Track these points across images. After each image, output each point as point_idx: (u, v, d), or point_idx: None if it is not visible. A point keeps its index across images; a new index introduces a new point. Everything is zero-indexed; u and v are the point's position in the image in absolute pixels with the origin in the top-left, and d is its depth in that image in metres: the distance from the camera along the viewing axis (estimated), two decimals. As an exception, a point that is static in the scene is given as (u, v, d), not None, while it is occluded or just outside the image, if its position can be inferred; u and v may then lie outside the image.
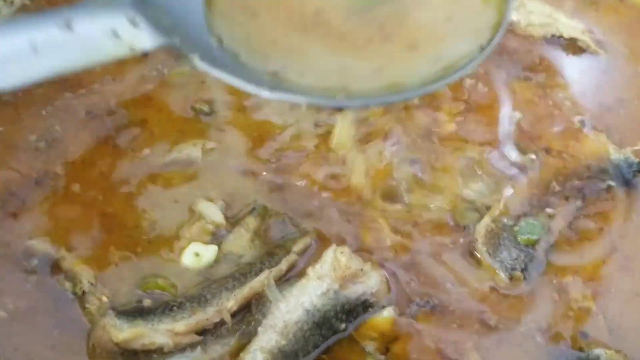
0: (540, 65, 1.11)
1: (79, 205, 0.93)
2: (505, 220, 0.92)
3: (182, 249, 0.88)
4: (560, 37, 1.14)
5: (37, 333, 0.82)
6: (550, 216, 0.93)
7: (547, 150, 1.01)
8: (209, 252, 0.87)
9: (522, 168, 0.98)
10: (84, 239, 0.89)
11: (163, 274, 0.87)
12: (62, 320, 0.83)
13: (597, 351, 0.81)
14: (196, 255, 0.87)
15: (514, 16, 1.13)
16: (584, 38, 1.14)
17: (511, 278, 0.88)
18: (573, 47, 1.14)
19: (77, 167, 0.95)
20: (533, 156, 1.00)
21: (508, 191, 0.94)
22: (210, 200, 0.92)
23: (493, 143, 1.01)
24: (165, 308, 0.81)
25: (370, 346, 0.82)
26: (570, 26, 1.14)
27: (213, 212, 0.90)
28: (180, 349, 0.79)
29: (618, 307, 0.87)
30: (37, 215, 0.90)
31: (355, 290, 0.84)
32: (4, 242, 0.87)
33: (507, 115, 1.04)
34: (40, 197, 0.92)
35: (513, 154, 1.00)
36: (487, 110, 1.04)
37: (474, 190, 0.95)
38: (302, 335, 0.80)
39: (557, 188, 0.97)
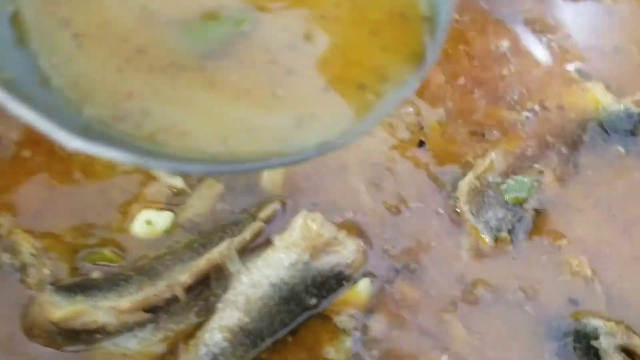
0: (536, 10, 1.02)
1: (25, 171, 0.83)
2: (490, 177, 0.84)
3: (134, 216, 0.79)
4: None
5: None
6: (541, 172, 0.85)
7: (541, 104, 0.93)
8: (162, 220, 0.79)
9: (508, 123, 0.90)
10: (27, 206, 0.81)
11: (111, 244, 0.78)
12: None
13: (595, 322, 0.73)
14: (148, 223, 0.78)
15: None
16: None
17: (496, 240, 0.81)
18: None
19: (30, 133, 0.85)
20: (526, 113, 0.91)
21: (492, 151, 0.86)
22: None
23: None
24: (111, 282, 0.72)
25: (344, 323, 0.74)
26: None
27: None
28: (128, 328, 0.71)
29: (617, 273, 0.80)
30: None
31: (327, 261, 0.76)
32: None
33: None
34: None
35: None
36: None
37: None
38: (267, 312, 0.72)
39: (550, 144, 0.88)
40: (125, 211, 0.80)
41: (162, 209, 0.80)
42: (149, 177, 0.82)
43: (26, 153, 0.84)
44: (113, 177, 0.83)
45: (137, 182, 0.82)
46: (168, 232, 0.79)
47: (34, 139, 0.84)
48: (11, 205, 0.81)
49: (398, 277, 0.78)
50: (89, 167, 0.83)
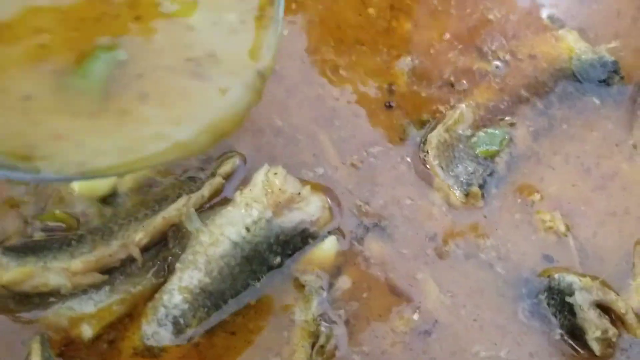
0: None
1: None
2: (460, 130, 0.81)
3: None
4: None
5: None
6: (512, 125, 0.83)
7: (512, 53, 0.90)
8: (105, 181, 0.73)
9: (478, 74, 0.87)
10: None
11: (62, 204, 0.73)
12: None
13: (570, 278, 0.72)
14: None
15: None
16: None
17: (467, 195, 0.78)
18: None
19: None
20: (497, 62, 0.88)
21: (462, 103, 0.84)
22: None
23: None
24: (62, 243, 0.69)
25: (311, 282, 0.71)
26: None
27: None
28: (83, 290, 0.68)
29: (591, 229, 0.79)
30: None
31: (291, 218, 0.73)
32: None
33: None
34: None
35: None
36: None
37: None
38: (229, 272, 0.70)
39: (522, 95, 0.86)
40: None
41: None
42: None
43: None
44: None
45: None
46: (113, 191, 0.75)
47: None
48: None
49: (368, 235, 0.75)
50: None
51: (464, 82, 0.86)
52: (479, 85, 0.86)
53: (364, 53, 0.87)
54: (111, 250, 0.68)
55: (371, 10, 0.92)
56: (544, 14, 0.93)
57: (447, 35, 0.90)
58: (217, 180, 0.74)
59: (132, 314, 0.69)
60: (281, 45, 0.60)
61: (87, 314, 0.68)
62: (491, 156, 0.81)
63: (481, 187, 0.79)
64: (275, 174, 0.72)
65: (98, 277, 0.68)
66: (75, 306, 0.68)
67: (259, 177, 0.72)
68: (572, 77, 0.88)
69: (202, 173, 0.75)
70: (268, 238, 0.71)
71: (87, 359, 0.67)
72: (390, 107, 0.84)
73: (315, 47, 0.87)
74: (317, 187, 0.76)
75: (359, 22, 0.90)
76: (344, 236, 0.74)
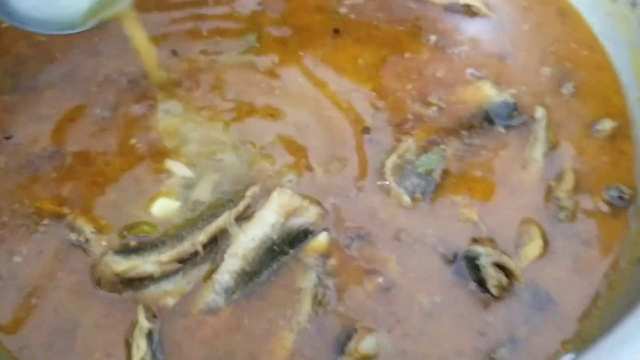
0: (441, 27, 1.36)
1: (78, 175, 1.16)
2: (408, 156, 1.17)
3: (154, 202, 1.13)
4: (457, 3, 1.38)
5: (46, 275, 1.06)
6: (444, 150, 1.19)
7: (446, 100, 1.26)
8: (172, 204, 1.11)
9: (421, 116, 1.24)
10: (82, 200, 1.13)
11: (147, 221, 1.11)
12: (65, 263, 1.07)
13: (478, 249, 1.07)
14: (164, 207, 1.11)
15: None
16: (476, 3, 1.39)
17: (413, 200, 1.13)
18: (468, 11, 1.39)
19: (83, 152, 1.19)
20: (434, 108, 1.24)
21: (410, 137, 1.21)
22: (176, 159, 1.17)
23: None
24: (152, 246, 1.05)
25: (310, 262, 1.08)
26: None
27: (180, 168, 1.15)
28: (166, 275, 1.04)
29: (499, 218, 1.13)
30: (48, 182, 1.14)
31: (297, 222, 1.09)
32: (20, 200, 1.11)
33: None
34: (50, 168, 1.16)
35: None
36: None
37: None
38: (258, 258, 1.05)
39: (452, 129, 1.22)
40: (150, 199, 1.14)
41: (174, 197, 1.13)
42: (166, 173, 1.16)
43: (76, 163, 1.17)
44: (140, 174, 1.16)
45: (158, 176, 1.16)
46: (179, 213, 1.11)
47: (82, 151, 1.18)
48: (72, 200, 1.13)
49: (352, 241, 1.09)
50: (116, 171, 1.17)
51: (411, 123, 1.22)
52: (422, 125, 1.22)
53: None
54: (184, 247, 1.04)
55: (360, 61, 1.31)
56: (468, 72, 1.30)
57: (400, 90, 1.28)
58: (247, 200, 1.10)
59: (197, 289, 1.03)
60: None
61: (169, 290, 1.03)
62: (430, 173, 1.15)
63: (423, 194, 1.14)
64: (285, 193, 1.08)
65: (176, 266, 1.03)
66: (162, 286, 1.03)
67: (274, 196, 1.08)
68: (487, 115, 1.23)
69: (237, 197, 1.12)
70: (282, 235, 1.06)
71: (171, 317, 1.03)
72: (367, 131, 1.20)
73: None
74: (312, 201, 1.12)
75: (355, 69, 1.28)
76: (330, 231, 1.10)
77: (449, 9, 1.39)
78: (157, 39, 1.28)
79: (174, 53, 1.30)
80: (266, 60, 1.31)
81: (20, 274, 1.06)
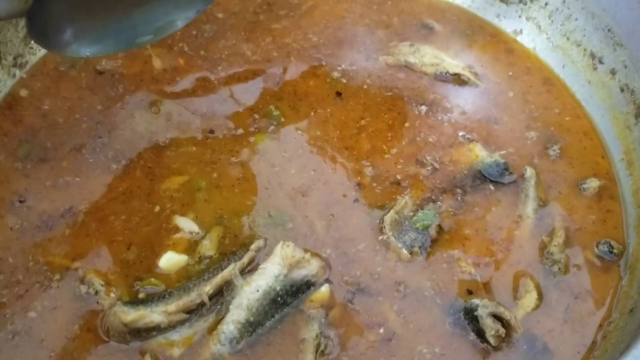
0: (430, 96, 1.44)
1: (88, 233, 1.20)
2: (405, 212, 1.23)
3: (162, 255, 1.17)
4: (447, 73, 1.47)
5: (60, 328, 1.09)
6: (440, 207, 1.25)
7: (440, 161, 1.32)
8: (179, 259, 1.16)
9: (417, 175, 1.30)
10: (95, 256, 1.17)
11: (155, 274, 1.14)
12: (79, 315, 1.10)
13: (476, 301, 1.11)
14: (171, 260, 1.15)
15: (410, 58, 1.47)
16: (465, 73, 1.47)
17: (411, 253, 1.18)
18: (458, 80, 1.47)
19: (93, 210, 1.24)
20: (429, 167, 1.31)
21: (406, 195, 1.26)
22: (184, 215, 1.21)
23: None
24: (159, 297, 1.09)
25: (313, 313, 1.11)
26: (453, 64, 1.48)
27: (187, 224, 1.20)
28: (173, 325, 1.07)
29: (491, 270, 1.18)
30: (61, 239, 1.19)
31: (299, 274, 1.12)
32: (35, 258, 1.15)
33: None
34: (63, 225, 1.20)
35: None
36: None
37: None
38: (262, 309, 1.08)
39: (446, 188, 1.28)
40: (158, 253, 1.18)
41: (181, 251, 1.18)
42: (174, 228, 1.21)
43: (88, 220, 1.21)
44: (149, 231, 1.21)
45: (165, 233, 1.20)
46: (186, 266, 1.16)
47: (93, 209, 1.23)
48: (83, 255, 1.17)
49: (353, 295, 1.13)
50: (126, 228, 1.21)
51: (407, 181, 1.28)
52: (417, 183, 1.28)
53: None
54: (191, 298, 1.07)
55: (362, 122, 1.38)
56: (460, 134, 1.37)
57: (396, 151, 1.34)
58: (251, 253, 1.14)
59: (202, 340, 1.06)
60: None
61: (175, 340, 1.06)
62: (426, 228, 1.21)
63: (420, 248, 1.19)
64: (288, 246, 1.12)
65: (183, 316, 1.06)
66: (169, 336, 1.06)
67: (278, 249, 1.12)
68: (479, 174, 1.29)
69: (242, 250, 1.17)
70: (285, 286, 1.10)
71: (178, 368, 1.06)
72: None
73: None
74: (314, 255, 1.16)
75: (355, 129, 1.36)
76: (332, 283, 1.13)
77: (439, 77, 1.47)
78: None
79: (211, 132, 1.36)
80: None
81: (35, 329, 1.08)
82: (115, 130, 1.34)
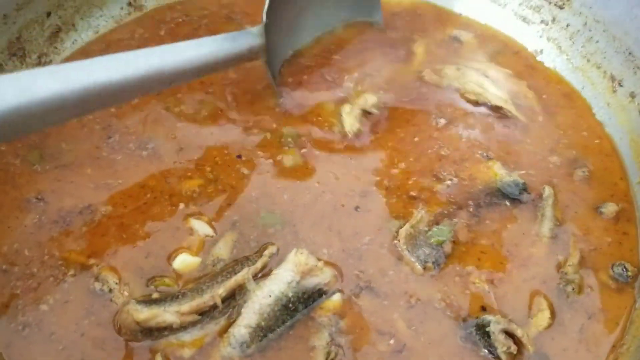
0: (452, 111, 1.45)
1: (104, 231, 1.21)
2: (421, 227, 1.23)
3: (176, 256, 1.17)
4: (489, 104, 1.47)
5: (70, 322, 1.10)
6: (455, 223, 1.24)
7: (457, 177, 1.32)
8: (192, 260, 1.16)
9: (434, 189, 1.30)
10: (111, 254, 1.18)
11: (168, 275, 1.15)
12: (91, 311, 1.11)
13: (488, 317, 1.11)
14: (185, 262, 1.16)
15: (455, 83, 1.48)
16: (507, 107, 1.46)
17: (425, 268, 1.18)
18: (498, 112, 1.47)
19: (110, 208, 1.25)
20: (447, 182, 1.31)
21: (422, 209, 1.26)
22: (199, 219, 1.22)
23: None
24: (172, 297, 1.09)
25: (324, 321, 1.11)
26: (496, 96, 1.47)
27: (203, 227, 1.20)
28: (184, 326, 1.07)
29: (506, 287, 1.18)
30: (78, 235, 1.20)
31: (312, 281, 1.13)
32: (50, 252, 1.16)
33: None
34: (81, 222, 1.21)
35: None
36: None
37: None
38: (274, 314, 1.08)
39: (462, 203, 1.28)
40: (173, 254, 1.19)
41: (195, 253, 1.18)
42: (189, 230, 1.21)
43: (105, 218, 1.22)
44: (165, 231, 1.21)
45: (181, 234, 1.21)
46: (199, 268, 1.16)
47: (111, 205, 1.24)
48: (99, 252, 1.18)
49: (361, 290, 1.14)
50: (143, 227, 1.22)
51: (424, 195, 1.28)
52: (434, 198, 1.28)
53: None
54: (204, 300, 1.08)
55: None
56: (478, 152, 1.37)
57: (416, 165, 1.34)
58: (265, 258, 1.15)
59: (213, 342, 1.06)
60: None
61: (186, 341, 1.07)
62: (440, 244, 1.21)
63: (433, 263, 1.19)
64: (302, 253, 1.13)
65: (195, 317, 1.07)
66: (180, 336, 1.07)
67: (291, 255, 1.13)
68: (497, 191, 1.29)
69: (255, 255, 1.17)
70: (297, 293, 1.10)
71: (187, 369, 1.06)
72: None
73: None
74: (327, 263, 1.17)
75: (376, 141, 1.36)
76: (343, 293, 1.14)
77: (479, 105, 1.47)
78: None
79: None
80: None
81: (46, 322, 1.09)
82: (126, 131, 1.36)
